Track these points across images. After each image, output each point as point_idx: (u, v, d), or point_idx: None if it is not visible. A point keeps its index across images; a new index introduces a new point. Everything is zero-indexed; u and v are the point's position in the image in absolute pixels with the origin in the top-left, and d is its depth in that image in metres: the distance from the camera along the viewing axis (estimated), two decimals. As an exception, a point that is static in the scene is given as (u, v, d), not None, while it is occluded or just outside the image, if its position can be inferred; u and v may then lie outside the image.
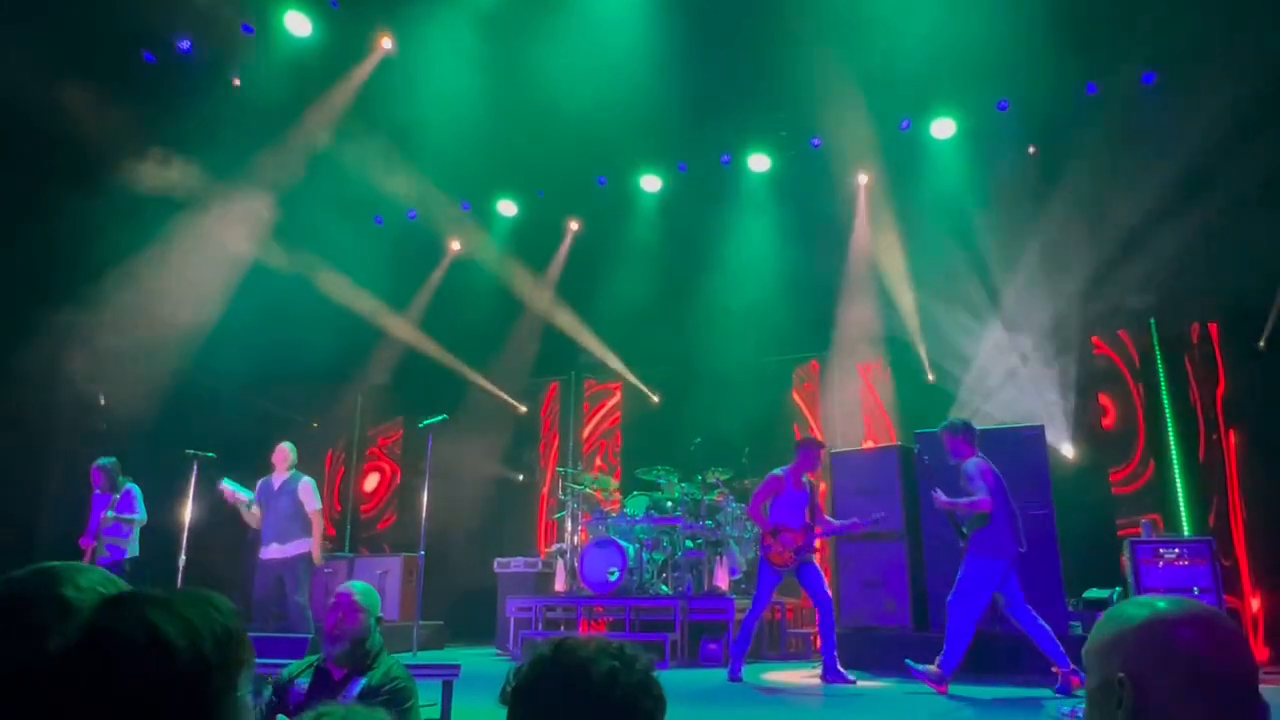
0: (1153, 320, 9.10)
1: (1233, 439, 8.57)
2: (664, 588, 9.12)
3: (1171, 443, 8.78)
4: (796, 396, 11.28)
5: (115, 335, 8.92)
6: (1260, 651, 7.68)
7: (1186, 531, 8.29)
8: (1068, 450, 9.05)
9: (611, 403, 12.40)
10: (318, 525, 7.40)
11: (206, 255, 9.73)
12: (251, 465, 7.88)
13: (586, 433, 12.40)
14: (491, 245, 12.12)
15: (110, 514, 7.52)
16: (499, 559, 10.16)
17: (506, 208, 12.11)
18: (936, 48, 8.25)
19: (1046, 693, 6.10)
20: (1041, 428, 7.73)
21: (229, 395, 10.30)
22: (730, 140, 10.87)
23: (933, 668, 6.18)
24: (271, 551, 7.34)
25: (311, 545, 7.33)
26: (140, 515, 7.65)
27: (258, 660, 1.16)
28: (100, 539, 7.52)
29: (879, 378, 10.60)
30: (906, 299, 10.18)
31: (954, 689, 6.17)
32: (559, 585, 9.52)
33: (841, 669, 6.87)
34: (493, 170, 10.92)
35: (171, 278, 9.39)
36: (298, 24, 9.48)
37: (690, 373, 11.05)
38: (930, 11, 8.08)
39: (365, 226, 11.45)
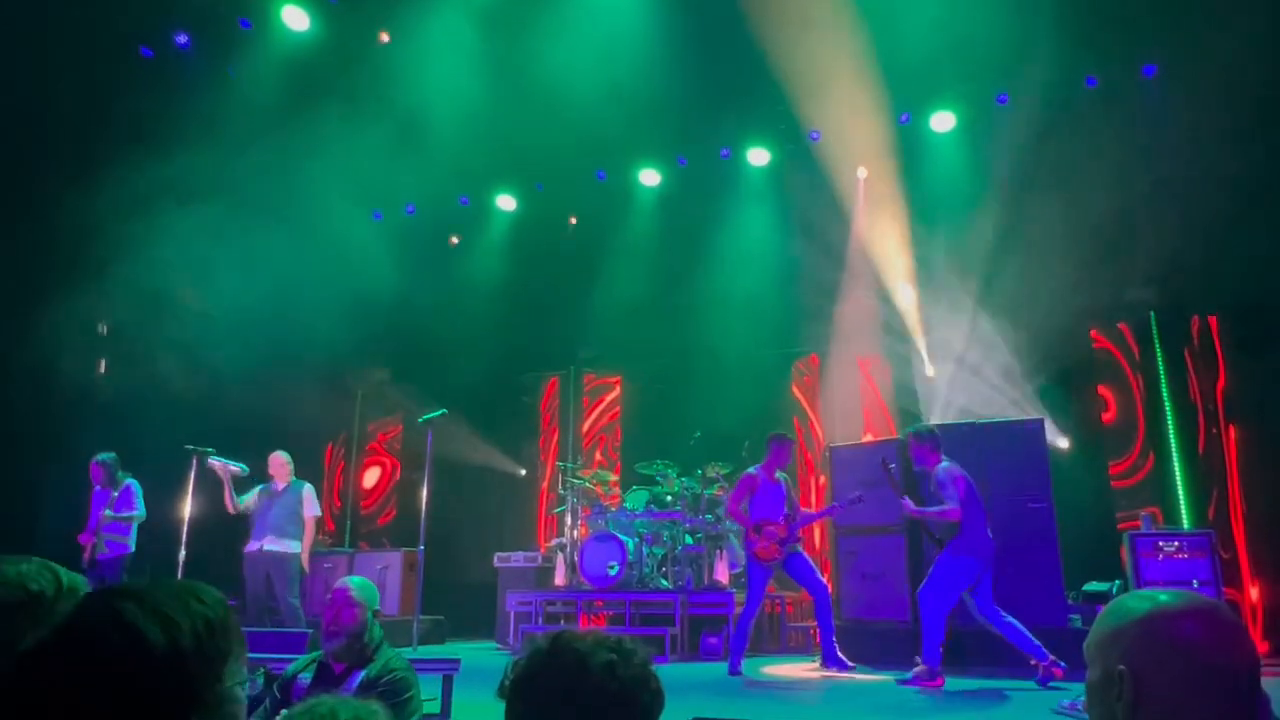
0: (1152, 313, 9.10)
1: (1232, 432, 8.56)
2: (664, 582, 9.13)
3: (1171, 436, 8.77)
4: (796, 390, 11.27)
5: (114, 330, 8.90)
6: (1260, 644, 7.69)
7: (1186, 524, 8.30)
8: (1064, 444, 9.05)
9: (611, 397, 12.38)
10: (310, 530, 7.79)
11: (205, 250, 9.70)
12: (251, 460, 7.88)
13: (586, 427, 12.38)
14: (491, 239, 12.14)
15: (109, 513, 7.56)
16: (499, 553, 10.15)
17: (506, 201, 12.15)
18: (936, 41, 8.26)
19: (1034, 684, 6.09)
20: (1042, 421, 7.79)
21: (229, 390, 10.28)
22: (730, 134, 10.88)
23: (920, 668, 6.23)
24: (267, 543, 7.53)
25: (303, 548, 7.68)
26: (139, 512, 7.69)
27: (254, 655, 1.15)
28: (100, 535, 7.55)
29: (878, 371, 10.58)
30: (906, 293, 10.17)
31: (950, 683, 6.19)
32: (559, 580, 9.52)
33: (841, 655, 6.95)
34: (492, 164, 10.91)
35: (170, 274, 9.38)
36: (295, 18, 9.46)
37: (690, 367, 11.03)
38: (930, 5, 8.10)
39: (364, 220, 11.44)
